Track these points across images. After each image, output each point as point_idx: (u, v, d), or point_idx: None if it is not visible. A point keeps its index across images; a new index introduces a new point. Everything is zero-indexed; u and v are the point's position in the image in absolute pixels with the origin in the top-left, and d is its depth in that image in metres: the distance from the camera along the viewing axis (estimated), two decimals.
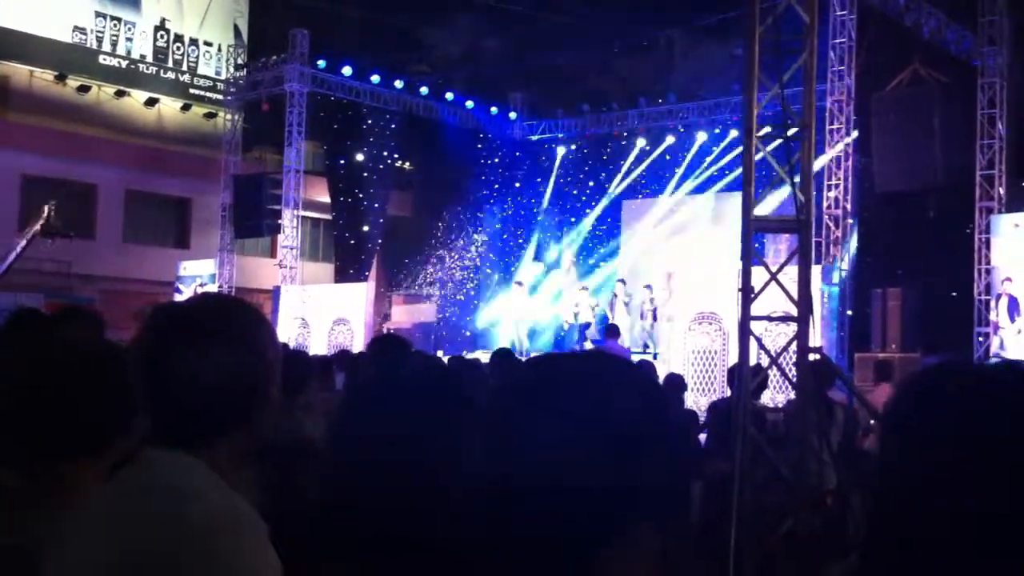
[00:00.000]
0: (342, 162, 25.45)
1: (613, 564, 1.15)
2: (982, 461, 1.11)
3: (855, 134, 17.33)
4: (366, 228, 25.27)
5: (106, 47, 29.00)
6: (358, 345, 18.56)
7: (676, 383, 9.86)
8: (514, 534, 1.16)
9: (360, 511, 1.46)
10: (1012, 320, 15.61)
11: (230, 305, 2.00)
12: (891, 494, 1.19)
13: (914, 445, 1.17)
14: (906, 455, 1.18)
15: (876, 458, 1.25)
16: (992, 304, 16.16)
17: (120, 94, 29.11)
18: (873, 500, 1.23)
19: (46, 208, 21.18)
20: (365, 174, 25.34)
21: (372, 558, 1.44)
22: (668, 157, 25.02)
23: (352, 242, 25.32)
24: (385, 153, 25.77)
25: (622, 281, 21.68)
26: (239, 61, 28.16)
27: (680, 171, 24.71)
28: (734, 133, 22.35)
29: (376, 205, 25.56)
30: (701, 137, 24.24)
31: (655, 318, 19.83)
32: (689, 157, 24.49)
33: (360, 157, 25.30)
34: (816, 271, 13.12)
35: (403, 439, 1.46)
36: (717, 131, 23.92)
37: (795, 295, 7.38)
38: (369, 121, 25.26)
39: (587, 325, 20.83)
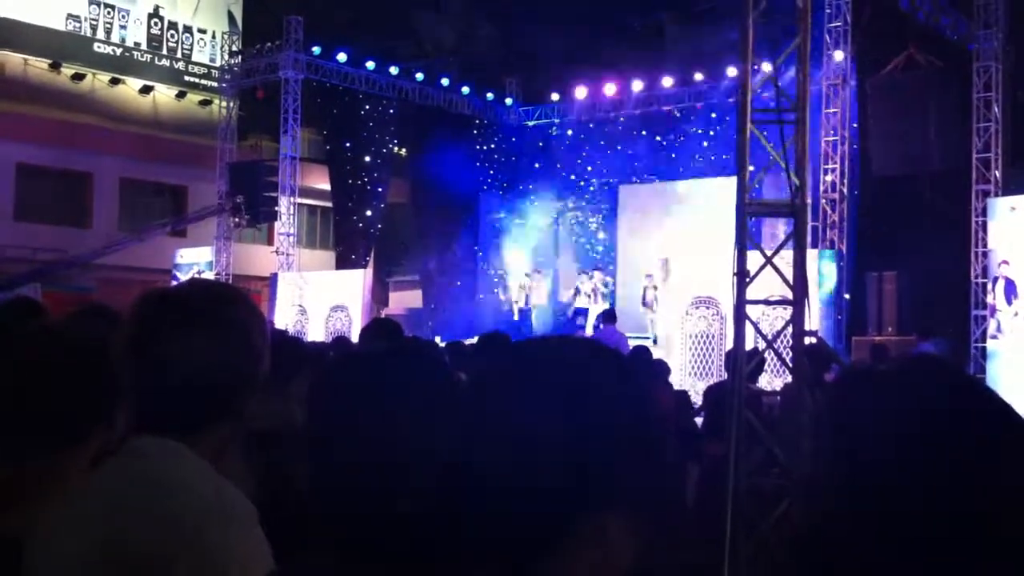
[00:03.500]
0: (346, 146, 25.38)
1: (574, 552, 1.15)
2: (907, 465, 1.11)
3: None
4: (369, 213, 25.24)
5: (100, 35, 28.94)
6: (356, 331, 18.58)
7: (659, 369, 9.79)
8: (480, 518, 1.16)
9: (334, 494, 1.46)
10: (1009, 303, 15.62)
11: (218, 291, 1.99)
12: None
13: (828, 440, 1.18)
14: (824, 449, 1.19)
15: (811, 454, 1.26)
16: (989, 287, 16.17)
17: (115, 82, 29.07)
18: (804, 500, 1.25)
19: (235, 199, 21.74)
20: (368, 159, 25.29)
21: (348, 541, 1.44)
22: (664, 142, 25.01)
23: (360, 226, 25.26)
24: (385, 138, 25.72)
25: (598, 269, 22.02)
26: (234, 48, 28.14)
27: (676, 155, 24.71)
28: (729, 117, 22.34)
29: (379, 190, 25.51)
30: (696, 121, 24.23)
31: (646, 304, 20.01)
32: (686, 141, 24.50)
33: (359, 144, 25.25)
34: (812, 255, 13.14)
35: (374, 420, 1.46)
36: (712, 115, 23.90)
37: (791, 279, 7.38)
38: (366, 107, 25.21)
39: (583, 310, 21.05)
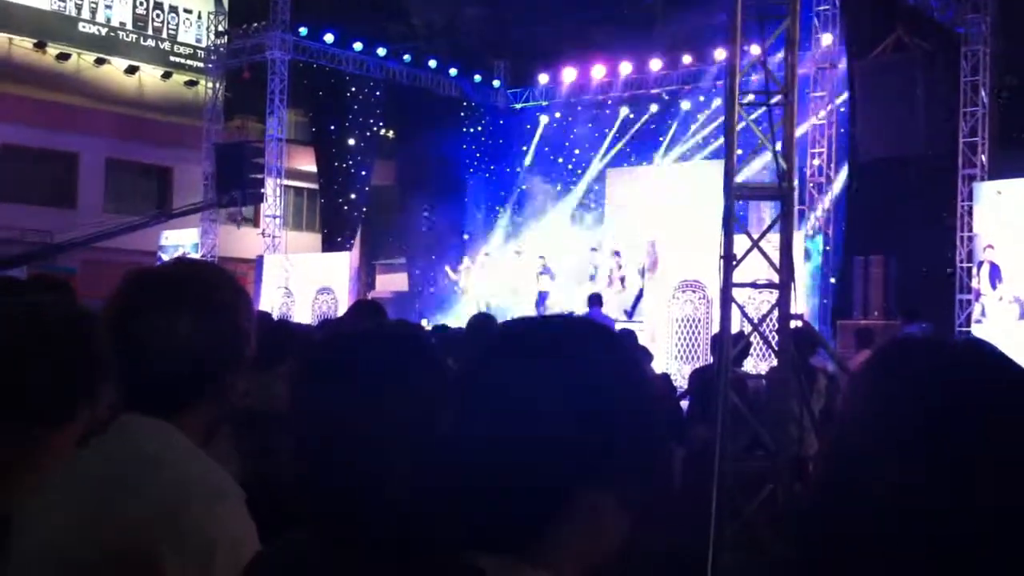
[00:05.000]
0: (332, 128, 25.29)
1: (570, 532, 1.15)
2: (932, 438, 1.09)
3: (845, 95, 17.34)
4: (354, 196, 25.18)
5: (85, 14, 28.70)
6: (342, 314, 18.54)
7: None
8: (474, 497, 1.16)
9: (321, 476, 1.45)
10: (994, 287, 15.68)
11: (203, 270, 1.99)
12: (840, 459, 1.18)
13: (874, 410, 1.16)
14: (864, 420, 1.17)
15: (838, 417, 1.24)
16: (974, 271, 16.22)
17: (100, 62, 28.85)
18: (823, 461, 1.23)
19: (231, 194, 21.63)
20: (351, 142, 25.22)
21: (335, 523, 1.43)
22: (653, 126, 25.00)
23: (345, 208, 25.20)
24: (371, 121, 25.65)
25: (593, 249, 22.10)
26: (220, 28, 27.89)
27: (664, 139, 24.71)
28: (718, 101, 22.35)
29: (363, 173, 25.44)
30: (685, 105, 24.23)
31: (623, 285, 20.06)
32: (674, 125, 24.50)
33: (345, 125, 25.16)
34: (798, 239, 13.16)
35: (361, 401, 1.45)
36: (701, 99, 23.90)
37: (777, 262, 7.39)
38: (352, 89, 25.11)
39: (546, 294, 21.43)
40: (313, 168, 26.40)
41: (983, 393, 1.11)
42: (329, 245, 24.94)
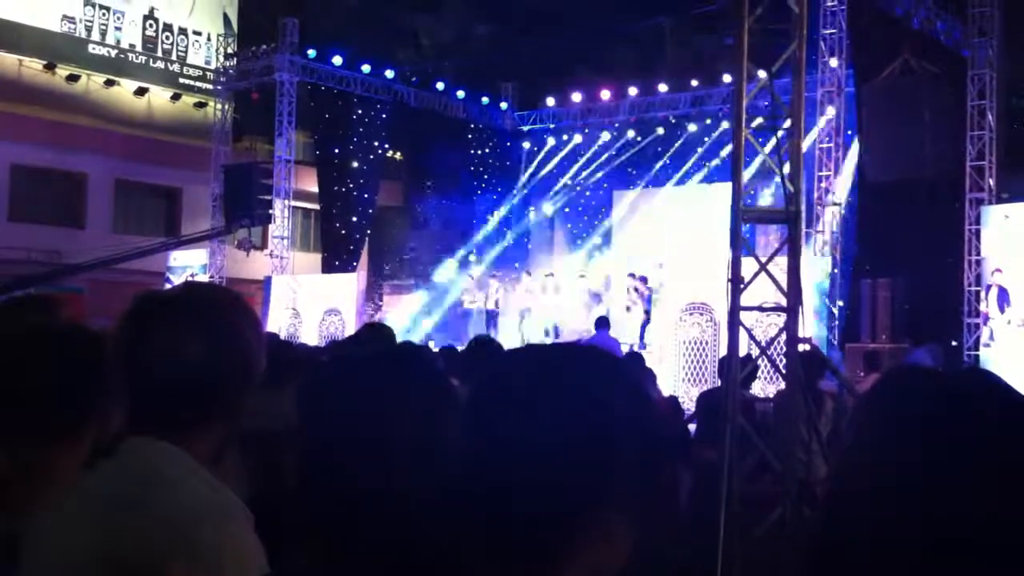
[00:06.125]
0: (335, 151, 25.36)
1: (580, 552, 1.16)
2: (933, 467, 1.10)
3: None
4: (355, 218, 25.21)
5: (95, 36, 28.89)
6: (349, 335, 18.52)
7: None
8: (486, 519, 1.17)
9: (327, 496, 1.46)
10: (1002, 311, 15.62)
11: (212, 293, 2.00)
12: (847, 488, 1.18)
13: (875, 437, 1.17)
14: (866, 447, 1.18)
15: (844, 444, 1.25)
16: (982, 295, 16.18)
17: (109, 83, 29.01)
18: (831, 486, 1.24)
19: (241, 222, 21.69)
20: (355, 164, 25.28)
21: (340, 544, 1.44)
22: (660, 148, 25.05)
23: (342, 232, 25.24)
24: (376, 143, 25.72)
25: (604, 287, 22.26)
26: (229, 50, 28.06)
27: (671, 161, 24.75)
28: (725, 124, 22.39)
29: (366, 195, 25.49)
30: (692, 127, 24.28)
31: (628, 308, 20.12)
32: (681, 147, 24.55)
33: (350, 147, 25.24)
34: (805, 262, 13.16)
35: (367, 422, 1.46)
36: (708, 121, 23.94)
37: (785, 286, 7.39)
38: (359, 111, 25.18)
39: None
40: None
41: (983, 422, 1.12)
42: (329, 267, 24.96)
